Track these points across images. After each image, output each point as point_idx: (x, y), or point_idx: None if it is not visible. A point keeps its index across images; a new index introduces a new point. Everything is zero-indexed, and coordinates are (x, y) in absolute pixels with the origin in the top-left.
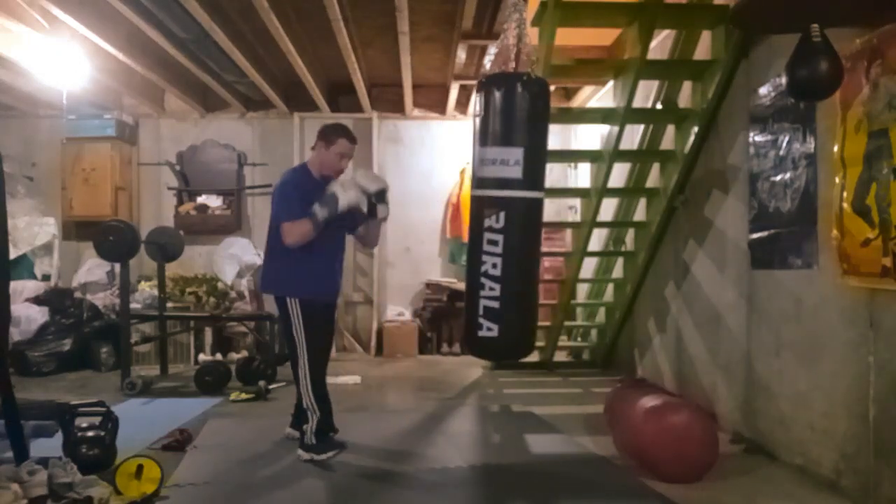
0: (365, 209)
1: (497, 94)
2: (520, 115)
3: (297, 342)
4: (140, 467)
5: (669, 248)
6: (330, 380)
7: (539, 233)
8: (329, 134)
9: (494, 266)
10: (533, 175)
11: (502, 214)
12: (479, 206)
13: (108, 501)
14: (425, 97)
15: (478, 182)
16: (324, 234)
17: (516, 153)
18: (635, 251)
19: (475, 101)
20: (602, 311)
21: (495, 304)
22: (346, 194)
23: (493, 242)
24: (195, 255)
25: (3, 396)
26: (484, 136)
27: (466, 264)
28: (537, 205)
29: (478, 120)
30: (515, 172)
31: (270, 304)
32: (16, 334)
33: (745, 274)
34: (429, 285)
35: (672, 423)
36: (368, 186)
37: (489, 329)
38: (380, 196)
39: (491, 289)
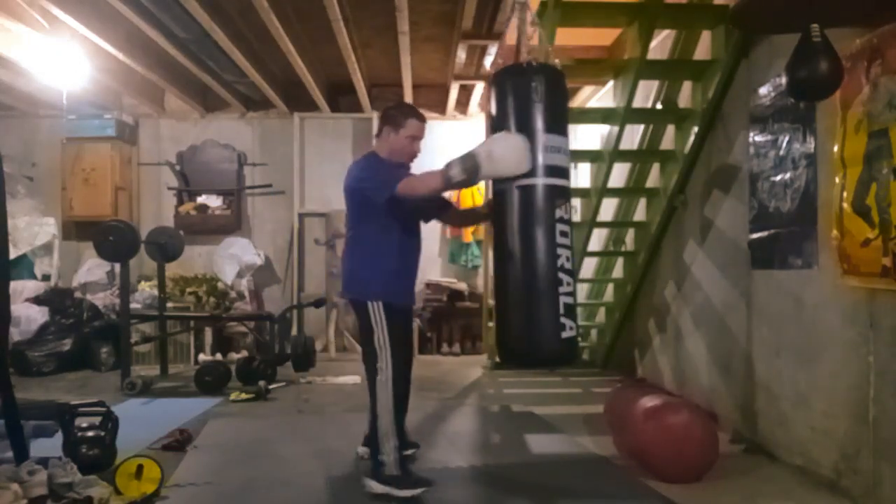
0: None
1: (557, 82)
2: (565, 104)
3: (379, 353)
4: (140, 467)
5: (669, 248)
6: (330, 380)
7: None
8: (396, 116)
9: (568, 259)
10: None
11: (568, 205)
12: (543, 196)
13: (108, 501)
14: (425, 97)
15: (536, 169)
16: (411, 223)
17: (566, 142)
18: (635, 251)
19: (532, 85)
20: (602, 311)
21: (572, 301)
22: (492, 166)
23: (565, 234)
24: (195, 255)
25: (3, 396)
26: (544, 122)
27: (523, 263)
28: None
29: (541, 105)
30: (567, 162)
31: (270, 304)
32: (16, 334)
33: (745, 274)
34: (429, 285)
35: (672, 423)
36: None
37: (571, 328)
38: None
39: (568, 284)
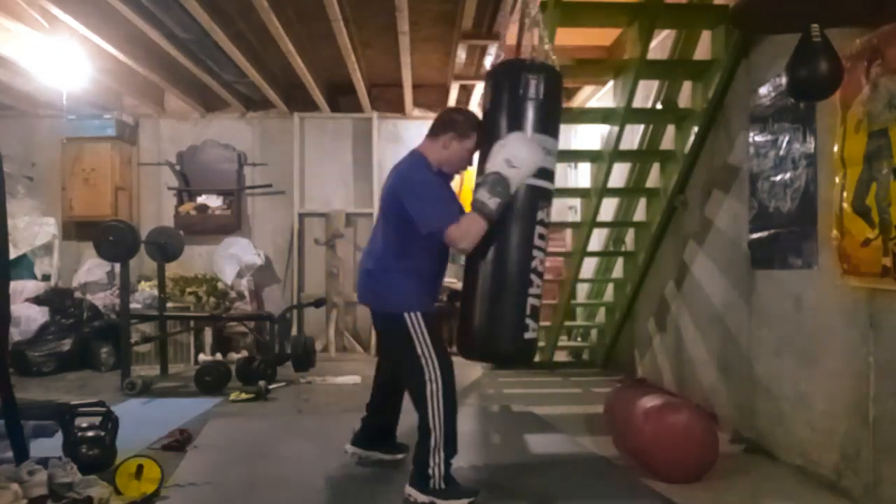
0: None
1: (545, 82)
2: (557, 105)
3: (424, 362)
4: (140, 467)
5: (669, 248)
6: (330, 380)
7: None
8: (463, 126)
9: (542, 262)
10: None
11: (550, 209)
12: (527, 197)
13: (108, 501)
14: (425, 97)
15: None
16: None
17: (555, 145)
18: (635, 251)
19: (525, 82)
20: (602, 311)
21: (538, 303)
22: (516, 170)
23: (543, 237)
24: (195, 255)
25: (3, 396)
26: (533, 123)
27: (495, 259)
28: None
29: (531, 104)
30: (553, 164)
31: (270, 304)
32: (16, 334)
33: (745, 274)
34: None
35: (672, 423)
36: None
37: (533, 330)
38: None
39: (537, 286)
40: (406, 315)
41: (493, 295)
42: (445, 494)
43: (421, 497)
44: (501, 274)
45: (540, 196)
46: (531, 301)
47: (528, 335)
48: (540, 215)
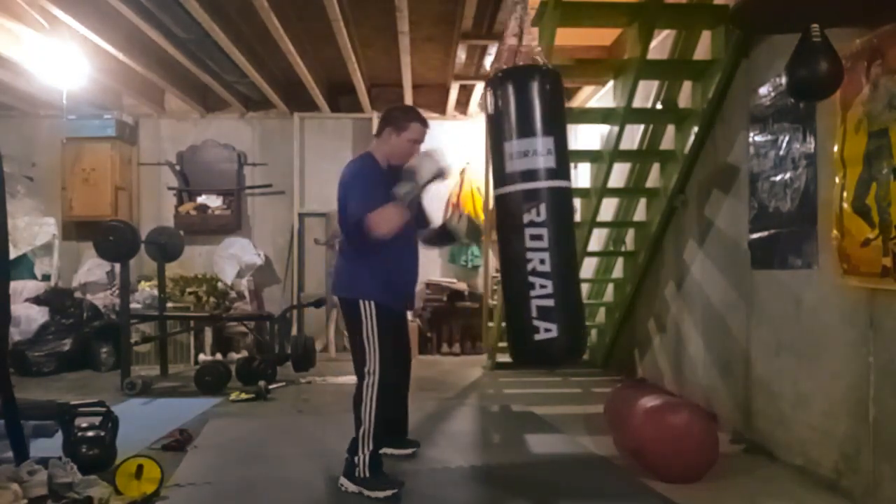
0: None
1: (520, 86)
2: (545, 104)
3: (367, 351)
4: (140, 467)
5: (669, 248)
6: (330, 380)
7: (573, 223)
8: (400, 118)
9: (542, 262)
10: (564, 164)
11: (543, 206)
12: (514, 203)
13: (108, 501)
14: (425, 97)
15: (507, 178)
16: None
17: (548, 142)
18: (635, 251)
19: (489, 99)
20: (602, 311)
21: (550, 303)
22: (425, 165)
23: (537, 237)
24: (195, 255)
25: (3, 396)
26: (509, 130)
27: (503, 268)
28: (570, 194)
29: (497, 116)
30: (550, 162)
31: (270, 304)
32: (16, 334)
33: (745, 274)
34: (429, 285)
35: (672, 423)
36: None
37: (547, 330)
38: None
39: (542, 286)
40: (360, 302)
41: (505, 303)
42: (371, 484)
43: (351, 486)
44: (505, 283)
45: (522, 199)
46: (537, 303)
47: (539, 337)
48: (528, 217)
